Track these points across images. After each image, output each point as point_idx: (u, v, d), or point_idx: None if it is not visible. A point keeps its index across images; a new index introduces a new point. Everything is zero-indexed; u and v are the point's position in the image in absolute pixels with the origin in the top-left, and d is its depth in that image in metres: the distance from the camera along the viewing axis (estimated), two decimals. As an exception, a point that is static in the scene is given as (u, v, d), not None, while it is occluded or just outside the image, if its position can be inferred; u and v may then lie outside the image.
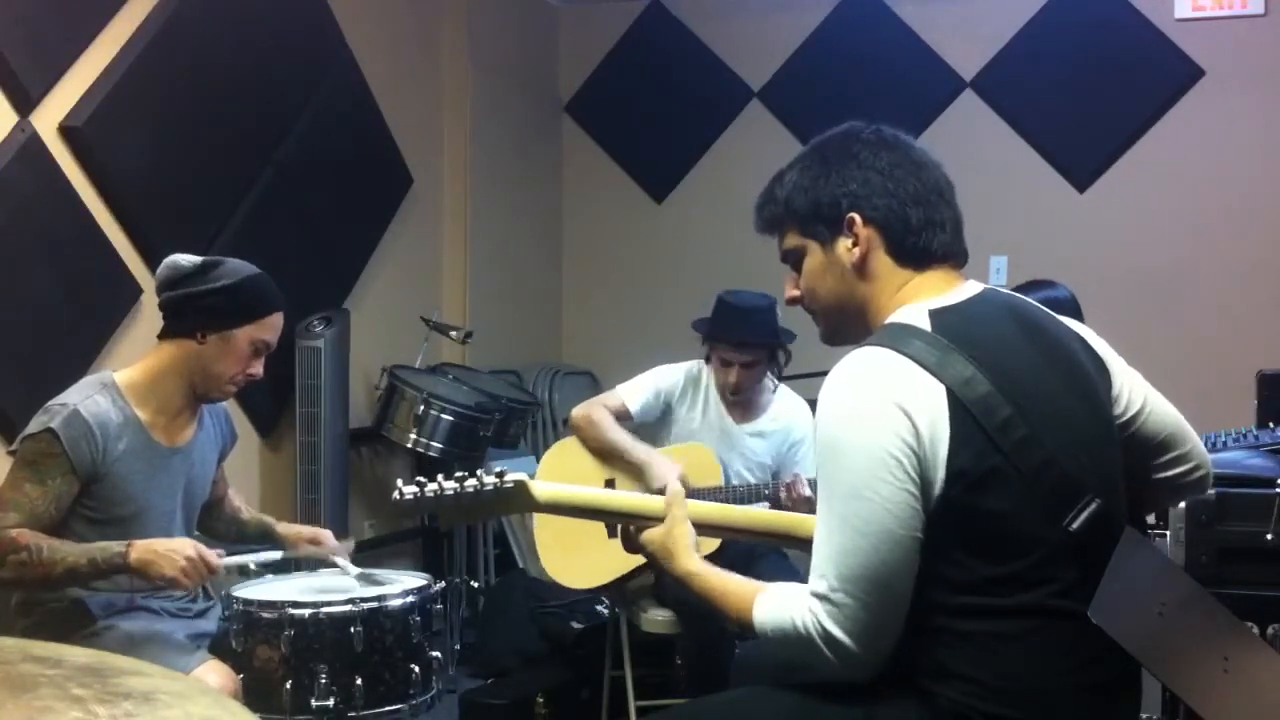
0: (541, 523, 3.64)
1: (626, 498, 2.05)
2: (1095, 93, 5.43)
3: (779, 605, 1.72)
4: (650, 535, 1.94)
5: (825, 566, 1.65)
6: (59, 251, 3.68)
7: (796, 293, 1.90)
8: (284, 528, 2.95)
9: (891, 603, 1.65)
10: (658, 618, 3.58)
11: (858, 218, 1.79)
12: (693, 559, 1.89)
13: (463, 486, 1.91)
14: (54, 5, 3.62)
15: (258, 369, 2.70)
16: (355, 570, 2.74)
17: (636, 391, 3.70)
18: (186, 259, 2.65)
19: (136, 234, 3.90)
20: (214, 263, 2.66)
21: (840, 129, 1.89)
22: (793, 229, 1.87)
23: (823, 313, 1.88)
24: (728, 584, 1.84)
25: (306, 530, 2.91)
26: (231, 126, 4.28)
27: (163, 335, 2.69)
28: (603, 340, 6.21)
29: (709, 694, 2.06)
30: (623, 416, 3.64)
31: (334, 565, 2.79)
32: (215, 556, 2.48)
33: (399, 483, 1.96)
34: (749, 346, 3.64)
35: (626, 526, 1.99)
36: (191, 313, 2.62)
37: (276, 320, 2.70)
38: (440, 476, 1.93)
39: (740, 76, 6.01)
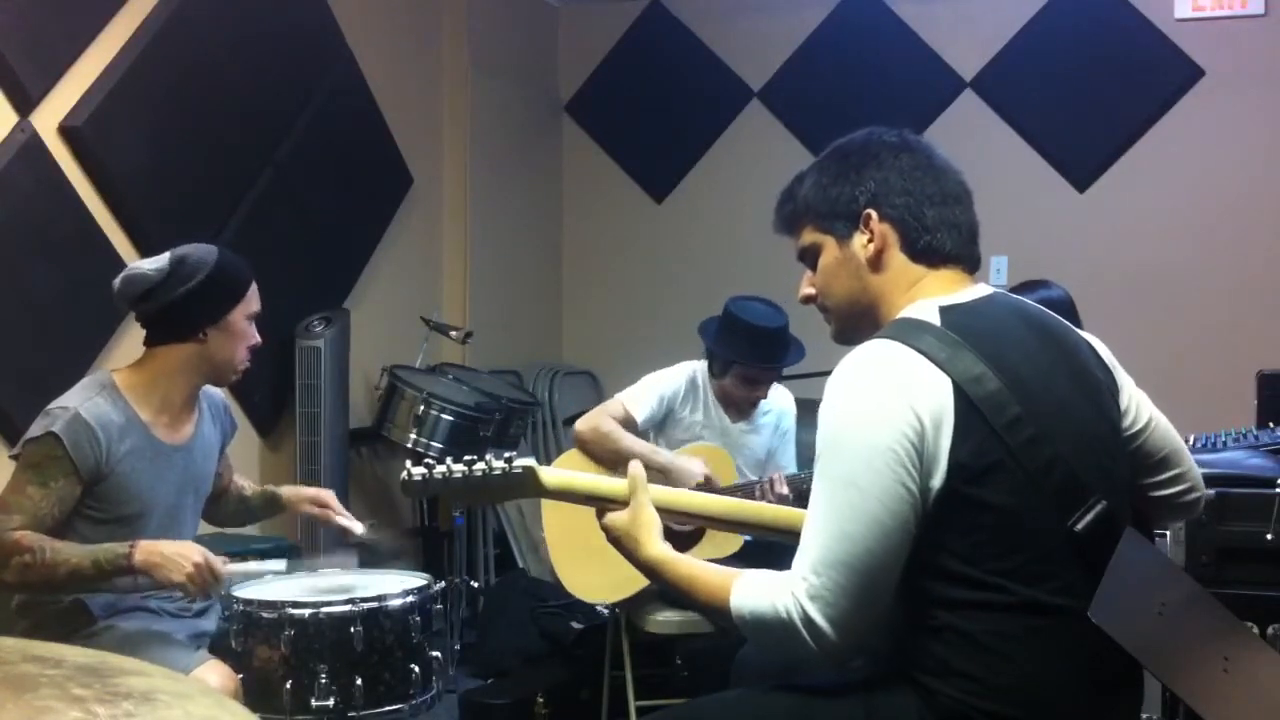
0: (556, 538, 3.60)
1: (659, 492, 2.00)
2: (1095, 93, 5.43)
3: (759, 591, 1.70)
4: (614, 520, 1.89)
5: (813, 552, 1.65)
6: (59, 251, 3.68)
7: (811, 291, 1.91)
8: (287, 491, 2.97)
9: (874, 593, 1.65)
10: (660, 618, 3.57)
11: (874, 214, 1.81)
12: (660, 545, 1.86)
13: (471, 470, 1.90)
14: (54, 5, 3.63)
15: (258, 337, 2.72)
16: (361, 529, 2.76)
17: (640, 399, 3.66)
18: (150, 266, 2.61)
19: (136, 234, 3.90)
20: (178, 260, 2.61)
21: (862, 132, 1.90)
22: (810, 226, 1.89)
23: (835, 310, 1.90)
24: (700, 571, 1.81)
25: (308, 491, 2.92)
26: (231, 126, 4.28)
27: (156, 342, 2.66)
28: (603, 340, 6.21)
29: (708, 694, 2.05)
30: (628, 425, 3.60)
31: (342, 531, 2.79)
32: (221, 564, 2.47)
33: (407, 463, 1.96)
34: (783, 367, 3.68)
35: (599, 515, 1.93)
36: (183, 317, 2.60)
37: (255, 288, 2.70)
38: (449, 459, 1.92)
39: (740, 76, 6.01)
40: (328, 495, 2.87)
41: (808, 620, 1.63)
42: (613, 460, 3.51)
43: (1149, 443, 1.89)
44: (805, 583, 1.64)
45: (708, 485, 3.42)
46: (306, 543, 4.19)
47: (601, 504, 1.92)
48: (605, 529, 1.91)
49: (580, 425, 3.62)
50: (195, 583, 2.43)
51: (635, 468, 1.92)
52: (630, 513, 1.88)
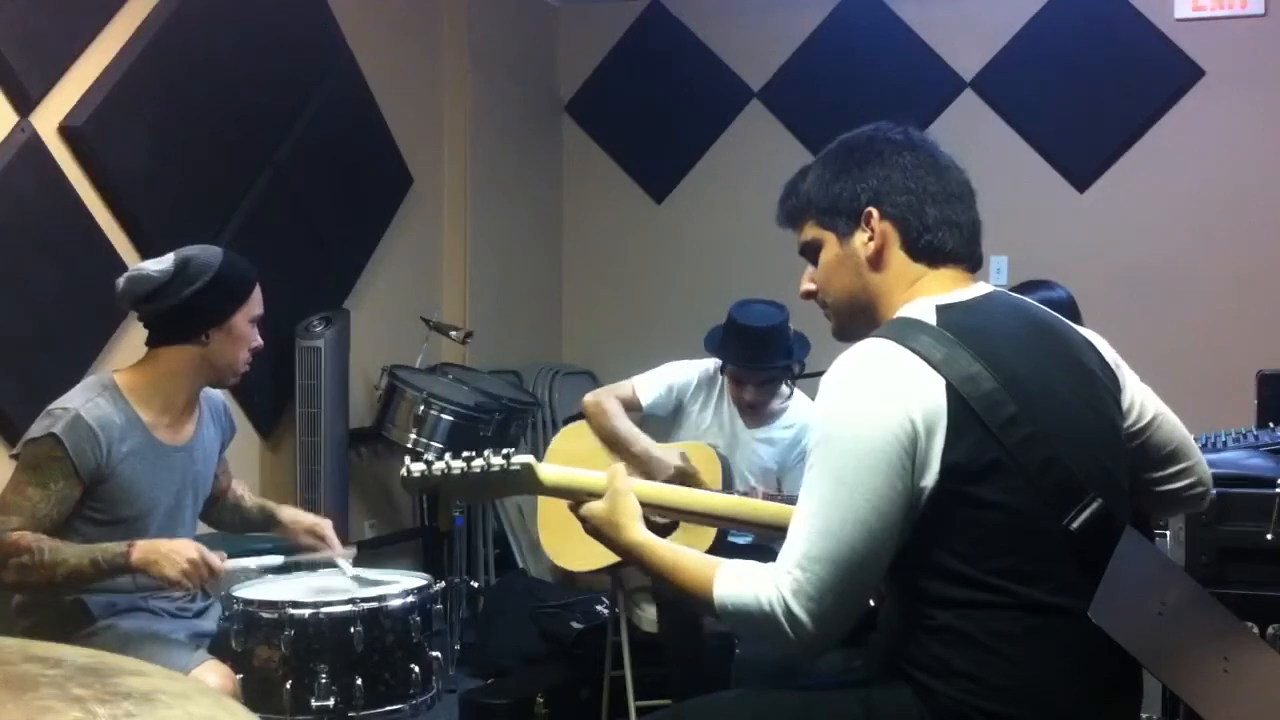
0: (546, 510, 3.65)
1: (637, 484, 2.03)
2: (1095, 93, 5.43)
3: (742, 582, 1.71)
4: (592, 509, 1.91)
5: (799, 546, 1.66)
6: (59, 251, 3.68)
7: (812, 286, 1.92)
8: (286, 514, 2.95)
9: (857, 589, 1.67)
10: (658, 618, 3.58)
11: (875, 212, 1.81)
12: (641, 530, 1.87)
13: (470, 466, 1.93)
14: (54, 5, 3.63)
15: (259, 339, 2.72)
16: (352, 572, 2.73)
17: (649, 384, 3.70)
18: (155, 267, 2.61)
19: (136, 234, 3.90)
20: (183, 261, 2.61)
21: (868, 128, 1.90)
22: (812, 221, 1.89)
23: (835, 307, 1.90)
24: (682, 558, 1.82)
25: (306, 519, 2.89)
26: (231, 126, 4.28)
27: (159, 343, 2.66)
28: (603, 340, 6.21)
29: (702, 693, 2.05)
30: (632, 407, 3.65)
31: (332, 565, 2.78)
32: (218, 560, 2.47)
33: (407, 459, 2.00)
34: (766, 371, 3.65)
35: (574, 507, 1.96)
36: (187, 319, 2.61)
37: (258, 290, 2.71)
38: (448, 455, 1.95)
39: (740, 76, 6.01)
40: (324, 527, 2.85)
41: (789, 613, 1.64)
42: (604, 437, 3.62)
43: (1155, 438, 1.89)
44: (790, 576, 1.65)
45: (679, 477, 3.43)
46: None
47: (592, 499, 1.93)
48: (583, 519, 1.92)
49: (589, 398, 3.74)
50: (191, 578, 2.43)
51: (616, 464, 1.96)
52: (609, 501, 1.90)
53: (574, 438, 3.72)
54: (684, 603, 1.88)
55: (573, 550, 3.58)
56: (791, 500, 1.78)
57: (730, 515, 2.08)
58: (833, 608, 1.64)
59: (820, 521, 1.65)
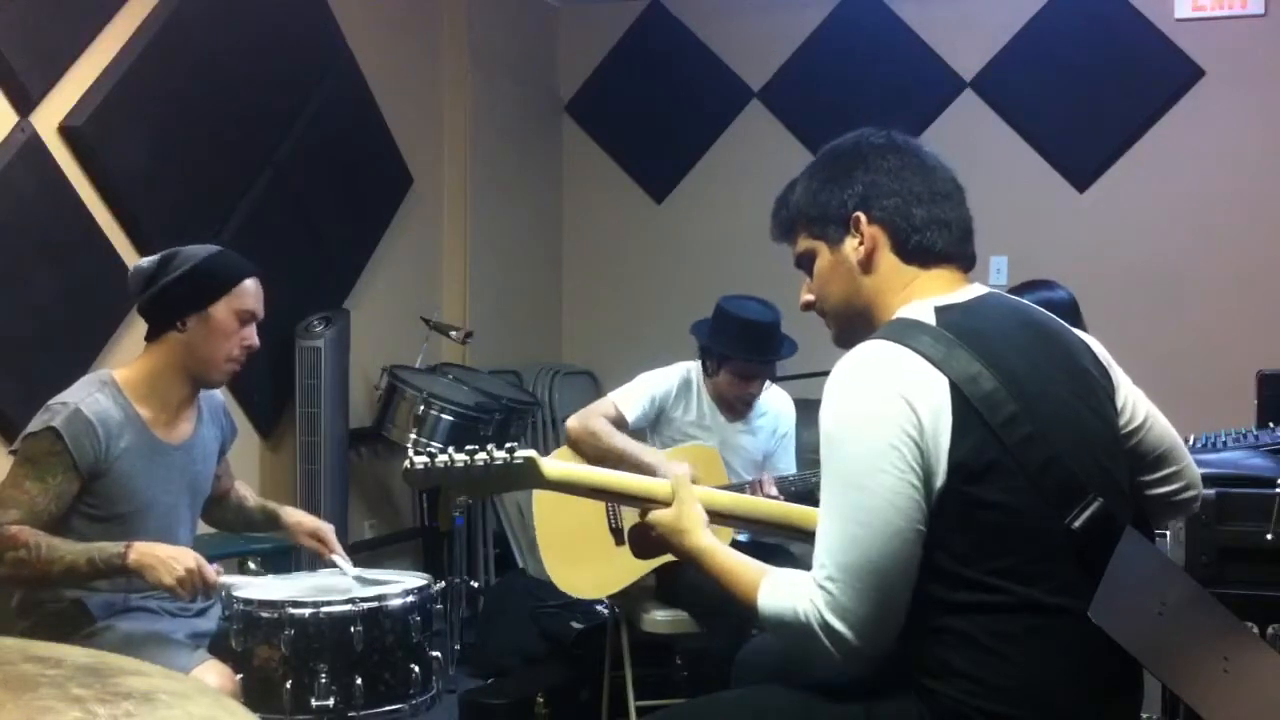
0: (546, 535, 3.61)
1: (634, 479, 2.06)
2: (1095, 93, 5.43)
3: (782, 593, 1.72)
4: (659, 515, 1.95)
5: (826, 556, 1.66)
6: (59, 251, 3.68)
7: (810, 298, 1.93)
8: (289, 515, 2.95)
9: (891, 595, 1.65)
10: (658, 618, 3.58)
11: (863, 216, 1.82)
12: (707, 536, 1.91)
13: (472, 460, 1.93)
14: (54, 5, 3.63)
15: (252, 338, 2.69)
16: (354, 571, 2.74)
17: (632, 399, 3.67)
18: (147, 261, 2.67)
19: (136, 234, 3.90)
20: (171, 254, 2.66)
21: (852, 135, 1.91)
22: (803, 232, 1.90)
23: (833, 314, 1.91)
24: (738, 564, 1.84)
25: (308, 522, 2.90)
26: (231, 126, 4.28)
27: (149, 337, 2.69)
28: (603, 340, 6.21)
29: (709, 694, 2.05)
30: (619, 424, 3.62)
31: (332, 565, 2.79)
32: (214, 573, 2.47)
33: (409, 452, 2.00)
34: (772, 364, 3.69)
35: (642, 514, 1.99)
36: (165, 306, 2.63)
37: (249, 286, 2.68)
38: (451, 449, 1.95)
39: (740, 76, 6.01)
40: (326, 531, 2.86)
41: (826, 625, 1.64)
42: (601, 459, 3.49)
43: (1146, 440, 1.89)
44: (822, 591, 1.65)
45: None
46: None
47: (603, 496, 1.95)
48: (650, 524, 1.95)
49: (571, 423, 3.65)
50: (185, 587, 2.43)
51: (679, 468, 1.98)
52: (677, 508, 1.93)
53: (570, 457, 3.69)
54: (731, 609, 1.91)
55: (582, 579, 3.59)
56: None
57: (778, 521, 2.08)
58: (872, 615, 1.64)
59: (841, 528, 1.65)
